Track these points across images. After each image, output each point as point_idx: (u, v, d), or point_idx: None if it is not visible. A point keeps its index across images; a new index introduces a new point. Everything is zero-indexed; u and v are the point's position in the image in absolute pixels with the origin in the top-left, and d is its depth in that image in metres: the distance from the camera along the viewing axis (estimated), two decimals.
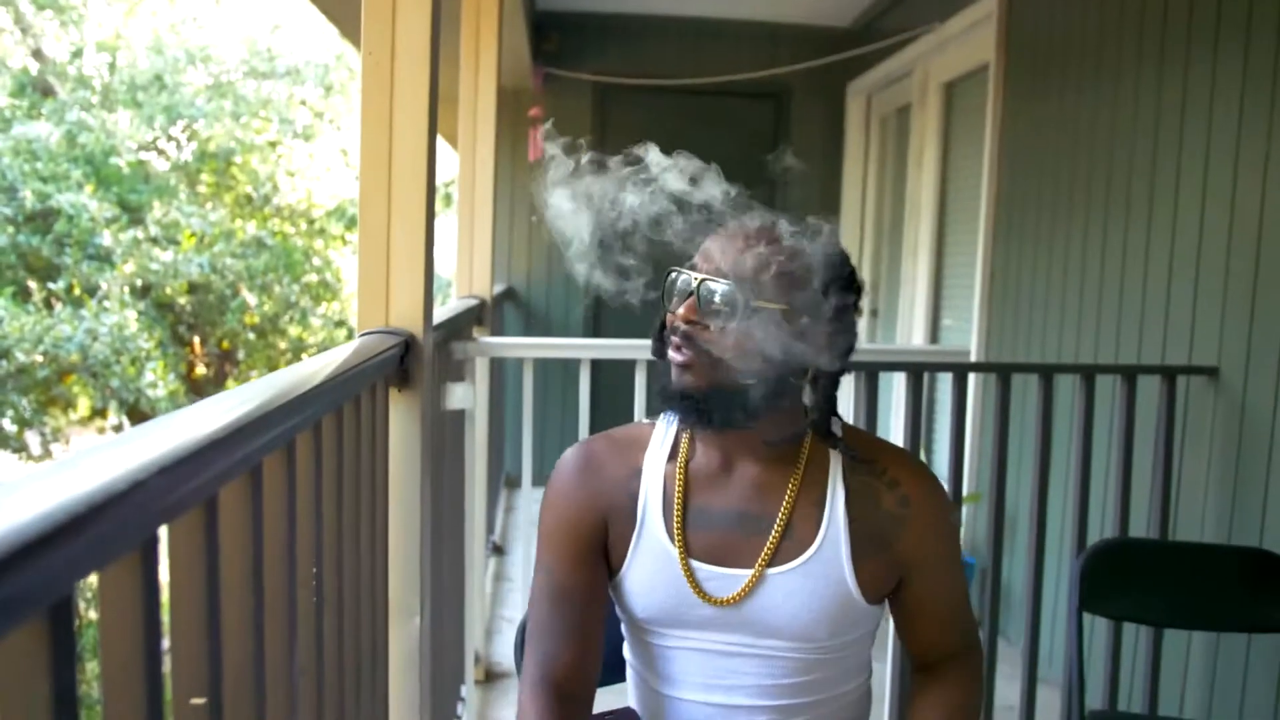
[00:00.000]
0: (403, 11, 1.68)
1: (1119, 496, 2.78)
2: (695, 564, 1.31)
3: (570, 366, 5.00)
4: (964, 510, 3.98)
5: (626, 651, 1.48)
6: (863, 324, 6.16)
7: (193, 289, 11.36)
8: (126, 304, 10.30)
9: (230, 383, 12.43)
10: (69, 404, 11.12)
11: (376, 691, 1.65)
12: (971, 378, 3.93)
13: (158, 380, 10.21)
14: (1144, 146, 3.04)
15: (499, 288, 5.70)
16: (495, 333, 4.07)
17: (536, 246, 6.15)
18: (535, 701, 1.29)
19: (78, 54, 12.12)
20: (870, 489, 1.32)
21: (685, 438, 1.36)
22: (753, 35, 6.07)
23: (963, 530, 4.06)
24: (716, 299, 1.23)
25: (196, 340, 12.23)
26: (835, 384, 1.30)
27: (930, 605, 1.37)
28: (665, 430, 1.39)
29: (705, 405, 1.26)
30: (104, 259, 10.51)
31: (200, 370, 12.36)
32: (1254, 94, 2.58)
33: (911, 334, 5.17)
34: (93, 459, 0.68)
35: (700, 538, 1.32)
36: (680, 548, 1.31)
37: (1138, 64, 3.09)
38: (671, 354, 1.27)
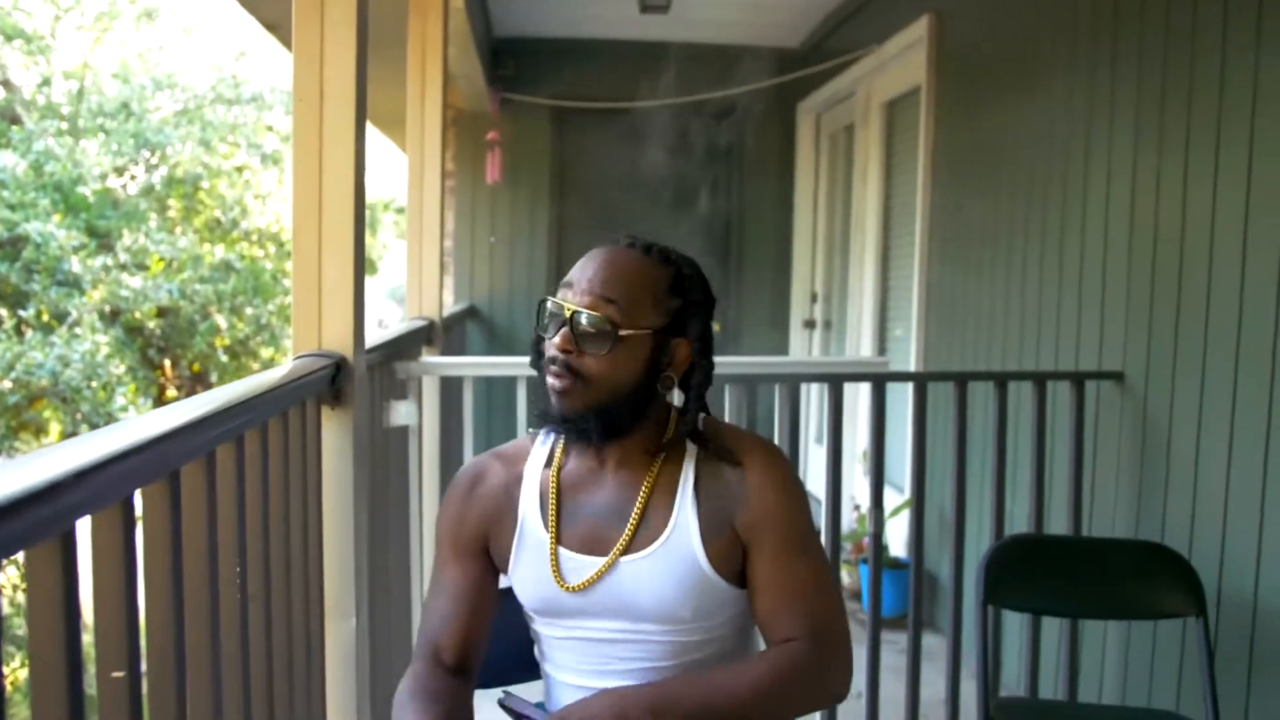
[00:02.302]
0: (330, 56, 1.82)
1: (1033, 496, 2.94)
2: (565, 552, 1.45)
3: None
4: (905, 514, 4.14)
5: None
6: (816, 335, 6.29)
7: (162, 313, 11.45)
8: (97, 329, 10.37)
9: None
10: (40, 429, 11.16)
11: (313, 688, 1.78)
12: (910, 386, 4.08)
13: (129, 404, 10.28)
14: (1056, 165, 3.22)
15: (460, 306, 5.83)
16: (450, 352, 4.20)
17: (498, 265, 6.30)
18: (414, 664, 1.46)
19: (45, 83, 12.23)
20: (716, 472, 1.46)
21: (559, 448, 1.52)
22: (707, 57, 6.24)
23: (902, 532, 4.21)
24: (589, 328, 1.37)
25: (167, 363, 12.29)
26: (706, 384, 1.47)
27: (770, 579, 1.42)
28: (543, 441, 1.54)
29: (584, 425, 1.40)
30: (73, 285, 10.58)
31: (172, 393, 12.41)
32: (1147, 114, 2.75)
33: (860, 344, 5.33)
34: (24, 464, 0.82)
35: (573, 530, 1.46)
36: (552, 536, 1.46)
37: (1051, 86, 3.27)
38: (551, 381, 1.40)
